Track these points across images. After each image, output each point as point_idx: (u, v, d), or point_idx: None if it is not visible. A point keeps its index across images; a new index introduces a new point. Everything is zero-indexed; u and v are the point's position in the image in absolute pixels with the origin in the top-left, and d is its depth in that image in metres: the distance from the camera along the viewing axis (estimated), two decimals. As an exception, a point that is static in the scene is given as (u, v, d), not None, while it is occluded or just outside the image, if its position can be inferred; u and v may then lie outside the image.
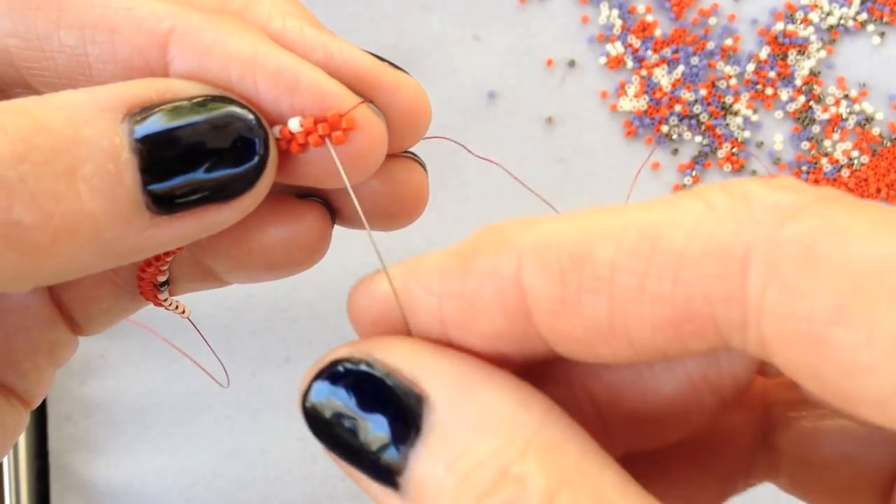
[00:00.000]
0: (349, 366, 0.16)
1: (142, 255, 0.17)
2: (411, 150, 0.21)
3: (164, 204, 0.16)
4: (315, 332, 0.43)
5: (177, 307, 0.23)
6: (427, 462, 0.15)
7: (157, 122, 0.16)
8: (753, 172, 0.42)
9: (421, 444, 0.15)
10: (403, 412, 0.15)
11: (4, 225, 0.15)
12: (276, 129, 0.17)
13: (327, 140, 0.17)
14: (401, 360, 0.16)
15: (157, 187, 0.16)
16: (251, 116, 0.17)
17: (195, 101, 0.17)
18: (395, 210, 0.21)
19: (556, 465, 0.14)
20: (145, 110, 0.16)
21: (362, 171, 0.18)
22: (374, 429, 0.15)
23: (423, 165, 0.21)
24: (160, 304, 0.22)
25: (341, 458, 0.16)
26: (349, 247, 0.43)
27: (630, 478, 0.14)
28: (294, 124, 0.17)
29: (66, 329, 0.22)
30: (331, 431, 0.16)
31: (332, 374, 0.16)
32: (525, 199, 0.42)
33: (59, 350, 0.23)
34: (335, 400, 0.16)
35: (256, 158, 0.17)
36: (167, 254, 0.20)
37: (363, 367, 0.16)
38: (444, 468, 0.14)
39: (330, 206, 0.21)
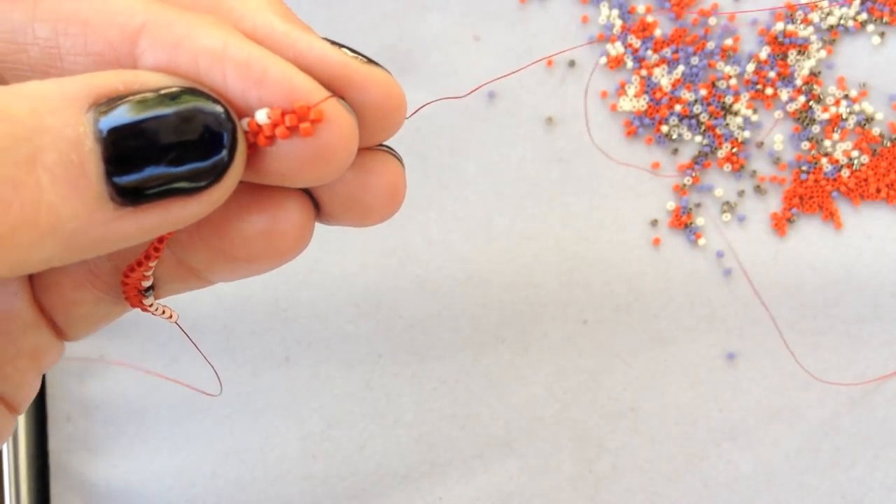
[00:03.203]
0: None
1: (106, 248, 0.17)
2: (388, 143, 0.20)
3: (129, 196, 0.16)
4: (315, 332, 0.43)
5: (164, 312, 0.22)
6: None
7: (122, 114, 0.16)
8: (754, 173, 0.42)
9: None
10: None
11: None
12: (245, 122, 0.17)
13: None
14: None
15: (121, 179, 0.16)
16: (220, 109, 0.17)
17: (162, 92, 0.17)
18: (370, 203, 0.20)
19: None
20: (112, 101, 0.16)
21: (331, 167, 0.18)
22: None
23: (399, 159, 0.20)
24: (146, 310, 0.22)
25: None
26: (349, 247, 0.43)
27: None
28: (261, 116, 0.17)
29: (49, 334, 0.22)
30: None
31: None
32: (525, 199, 0.42)
33: (42, 354, 0.22)
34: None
35: (224, 151, 0.17)
36: (150, 257, 0.20)
37: None
38: None
39: (312, 196, 0.20)
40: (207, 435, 0.43)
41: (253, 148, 0.18)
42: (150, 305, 0.22)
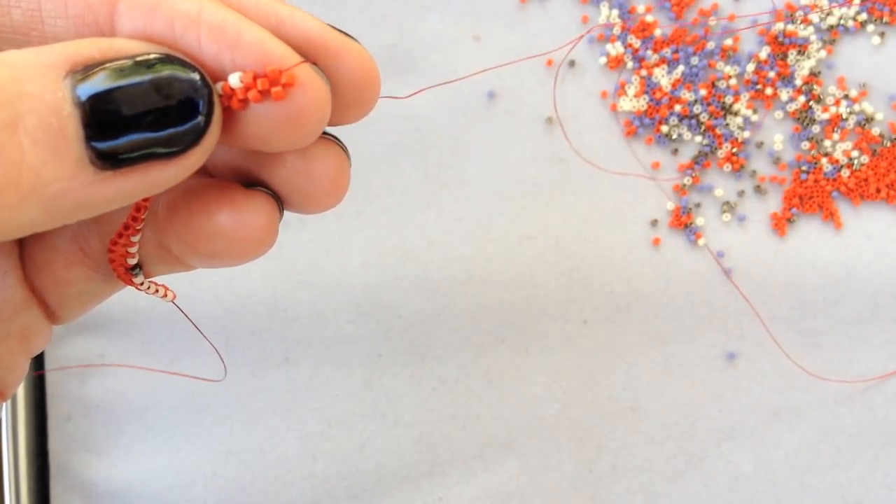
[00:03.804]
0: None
1: (87, 212, 0.17)
2: (335, 135, 0.21)
3: (108, 159, 0.17)
4: (315, 332, 0.43)
5: (157, 291, 0.22)
6: None
7: (100, 81, 0.17)
8: (754, 173, 0.42)
9: None
10: None
11: None
12: (219, 86, 0.18)
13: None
14: None
15: (101, 143, 0.16)
16: (195, 75, 0.17)
17: (138, 59, 0.17)
18: (312, 191, 0.20)
19: None
20: (88, 68, 0.17)
21: (305, 130, 0.18)
22: None
23: (344, 149, 0.21)
24: (138, 288, 0.22)
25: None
26: (349, 247, 0.43)
27: None
28: (234, 79, 0.17)
29: (40, 315, 0.23)
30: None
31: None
32: (525, 199, 0.42)
33: (32, 335, 0.23)
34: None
35: (200, 117, 0.17)
36: (129, 228, 0.20)
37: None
38: None
39: (277, 198, 0.21)
40: (207, 435, 0.43)
41: (227, 112, 0.18)
42: (141, 284, 0.22)
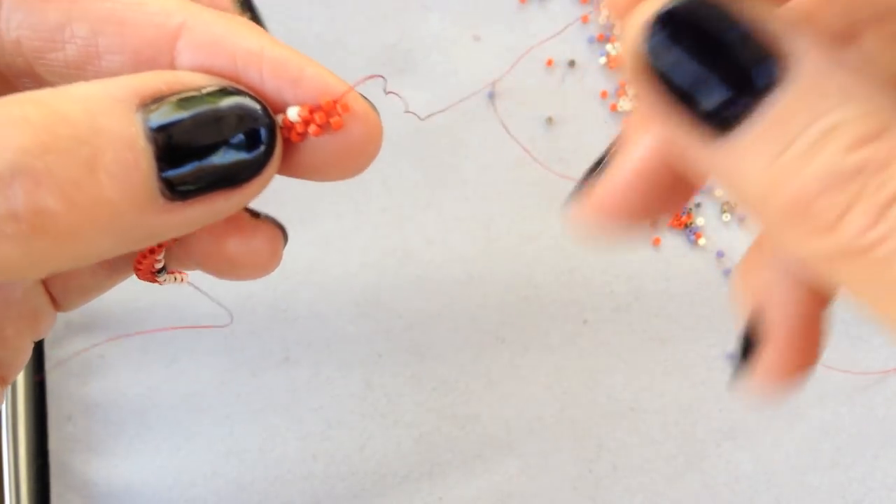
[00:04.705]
0: (711, 3, 0.16)
1: (155, 239, 0.18)
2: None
3: (178, 190, 0.17)
4: (315, 332, 0.43)
5: (175, 279, 0.23)
6: (789, 108, 0.15)
7: (168, 112, 0.17)
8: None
9: (785, 89, 0.15)
10: (765, 58, 0.15)
11: (32, 213, 0.15)
12: (279, 118, 0.18)
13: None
14: (767, 13, 0.16)
15: (171, 174, 0.17)
16: (258, 106, 0.18)
17: (204, 91, 0.17)
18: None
19: None
20: (156, 101, 0.17)
21: (360, 160, 0.19)
22: (731, 65, 0.15)
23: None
24: (160, 283, 0.23)
25: (672, 95, 0.16)
26: (349, 247, 0.43)
27: None
28: (293, 113, 0.18)
29: (47, 299, 0.23)
30: (669, 64, 0.16)
31: (689, 5, 0.16)
32: (525, 199, 0.42)
33: (41, 319, 0.23)
34: (690, 31, 0.16)
35: (263, 146, 0.18)
36: (160, 247, 0.21)
37: (723, 8, 0.16)
38: (812, 115, 0.15)
39: (281, 226, 0.22)
40: (207, 435, 0.43)
41: (286, 143, 0.19)
42: (164, 280, 0.23)
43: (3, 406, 0.41)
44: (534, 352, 0.43)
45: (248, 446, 0.43)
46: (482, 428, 0.43)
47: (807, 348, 0.21)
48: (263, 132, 0.18)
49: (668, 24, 0.16)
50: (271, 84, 0.18)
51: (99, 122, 0.16)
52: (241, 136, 0.17)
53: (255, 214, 0.22)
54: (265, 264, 0.22)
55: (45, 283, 0.23)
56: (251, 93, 0.18)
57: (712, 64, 0.15)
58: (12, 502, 0.41)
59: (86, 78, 0.18)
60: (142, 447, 0.43)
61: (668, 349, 0.42)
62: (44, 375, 0.43)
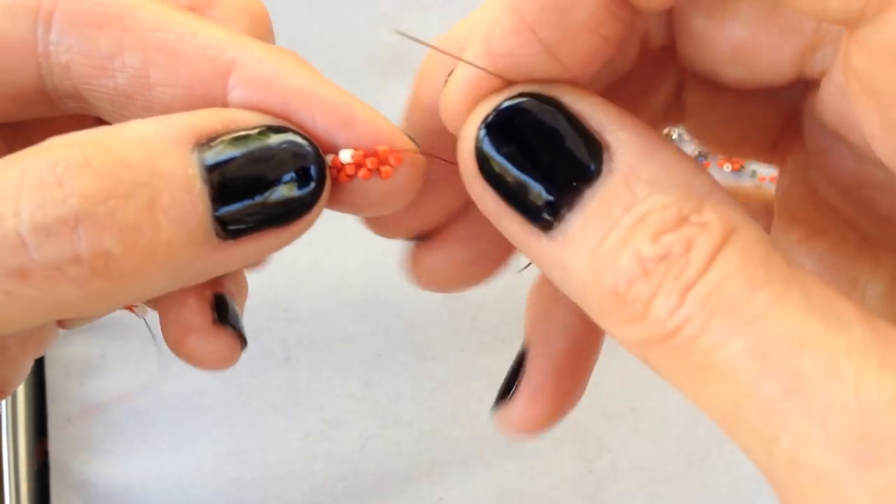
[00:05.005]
0: (536, 102, 0.17)
1: (207, 276, 0.18)
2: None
3: (231, 229, 0.17)
4: (315, 332, 0.43)
5: (145, 310, 0.25)
6: (602, 203, 0.16)
7: (223, 152, 0.17)
8: (754, 173, 0.42)
9: (600, 185, 0.16)
10: (584, 154, 0.16)
11: (95, 256, 0.16)
12: (329, 159, 0.18)
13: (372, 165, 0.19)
14: (587, 107, 0.17)
15: (224, 212, 0.17)
16: (308, 144, 0.18)
17: (257, 130, 0.18)
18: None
19: (729, 217, 0.15)
20: (211, 140, 0.17)
21: (401, 203, 0.20)
22: (552, 166, 0.16)
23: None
24: (132, 311, 0.24)
25: (503, 196, 0.17)
26: (349, 247, 0.43)
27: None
28: (346, 156, 0.18)
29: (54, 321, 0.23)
30: (498, 167, 0.17)
31: (515, 107, 0.17)
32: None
33: (45, 338, 0.24)
34: (515, 131, 0.17)
35: (313, 185, 0.18)
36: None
37: (548, 108, 0.17)
38: (622, 208, 0.16)
39: (242, 335, 0.23)
40: (207, 435, 0.43)
41: (333, 182, 0.19)
42: (138, 310, 0.24)
43: (3, 406, 0.41)
44: (534, 352, 0.43)
45: (248, 446, 0.43)
46: (482, 428, 0.43)
47: (564, 391, 0.22)
48: (313, 170, 0.18)
49: (493, 130, 0.17)
50: (322, 124, 0.18)
51: (157, 165, 0.17)
52: (292, 174, 0.18)
53: (222, 319, 0.22)
54: (221, 365, 0.23)
55: None
56: (301, 131, 0.18)
57: (532, 167, 0.16)
58: (12, 502, 0.41)
59: (134, 107, 0.18)
60: (142, 447, 0.43)
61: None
62: (44, 375, 0.43)
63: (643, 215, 0.16)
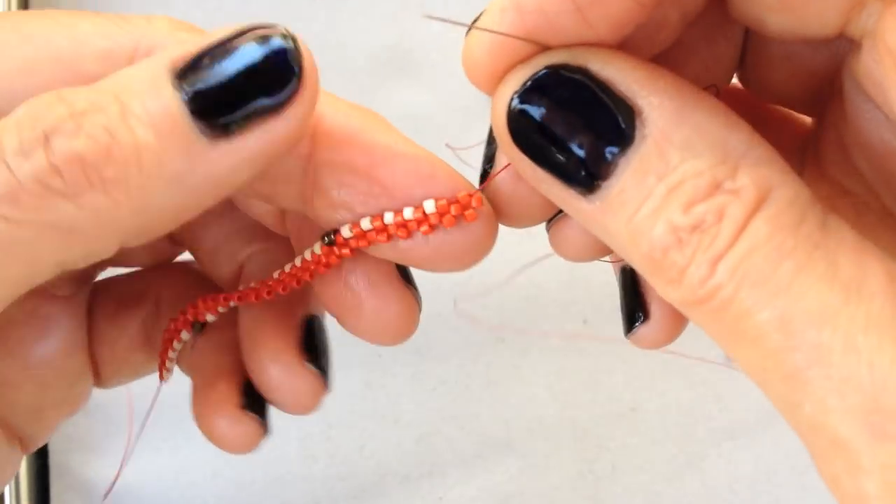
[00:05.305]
0: (564, 73, 0.17)
1: (220, 186, 0.18)
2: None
3: (218, 128, 0.17)
4: (315, 332, 0.43)
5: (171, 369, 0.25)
6: (636, 171, 0.16)
7: (198, 62, 0.17)
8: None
9: (633, 153, 0.16)
10: (616, 122, 0.16)
11: (69, 161, 0.16)
12: (409, 213, 0.19)
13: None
14: (616, 73, 0.17)
15: (200, 105, 0.17)
16: (279, 30, 0.18)
17: (225, 37, 0.18)
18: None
19: (764, 178, 0.16)
20: (188, 63, 0.17)
21: (480, 253, 0.21)
22: (585, 136, 0.17)
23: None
24: (164, 359, 0.24)
25: (539, 164, 0.17)
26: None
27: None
28: (430, 206, 0.19)
29: (90, 381, 0.25)
30: (533, 138, 0.17)
31: (544, 79, 0.17)
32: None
33: (79, 402, 0.25)
34: (548, 104, 0.17)
35: (290, 60, 0.18)
36: (227, 298, 0.22)
37: (578, 77, 0.17)
38: (656, 177, 0.16)
39: (265, 422, 0.24)
40: (207, 435, 0.43)
41: (408, 235, 0.20)
42: (171, 359, 0.25)
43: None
44: (534, 352, 0.43)
45: (248, 446, 0.43)
46: (482, 428, 0.43)
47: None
48: (287, 50, 0.18)
49: (524, 102, 0.17)
50: (403, 178, 0.19)
51: (130, 86, 0.17)
52: (267, 63, 0.17)
53: (250, 405, 0.23)
54: (245, 449, 0.24)
55: (96, 366, 0.24)
56: (270, 24, 0.18)
57: (566, 136, 0.17)
58: (12, 502, 0.41)
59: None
60: (142, 447, 0.43)
61: (668, 349, 0.42)
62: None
63: (676, 184, 0.16)
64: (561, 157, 0.17)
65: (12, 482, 0.41)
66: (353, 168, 0.19)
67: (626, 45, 0.17)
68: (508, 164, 0.19)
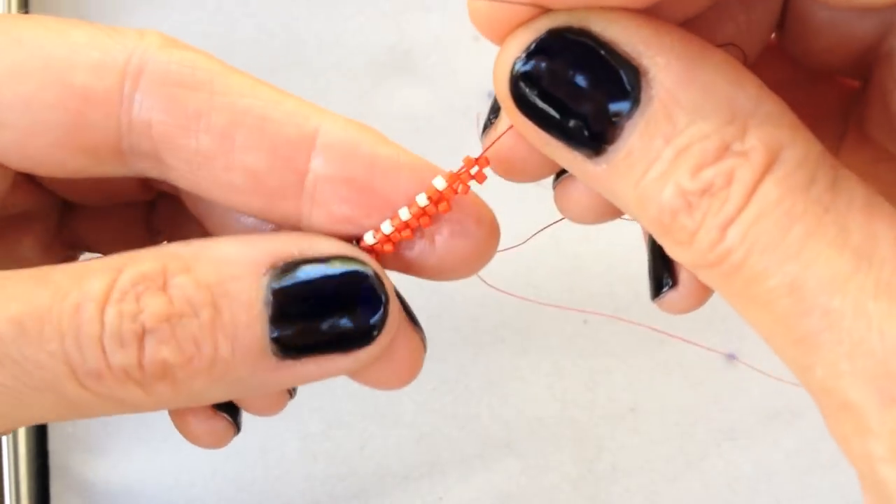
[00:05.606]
0: (567, 36, 0.17)
1: (268, 390, 0.20)
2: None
3: (290, 350, 0.18)
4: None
5: None
6: (643, 134, 0.16)
7: (291, 277, 0.18)
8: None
9: (639, 115, 0.16)
10: (621, 84, 0.16)
11: (154, 364, 0.18)
12: (422, 199, 0.19)
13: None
14: (620, 33, 0.16)
15: (280, 334, 0.18)
16: (376, 279, 0.19)
17: (328, 257, 0.19)
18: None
19: (774, 138, 0.15)
20: (287, 264, 0.18)
21: (482, 262, 0.21)
22: (590, 99, 0.16)
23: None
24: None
25: (543, 127, 0.17)
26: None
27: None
28: (440, 182, 0.19)
29: None
30: (536, 102, 0.17)
31: (546, 42, 0.17)
32: (525, 199, 0.42)
33: None
34: (550, 68, 0.17)
35: (376, 317, 0.19)
36: None
37: (581, 38, 0.16)
38: (663, 140, 0.16)
39: (236, 423, 0.26)
40: (207, 435, 0.43)
41: (409, 240, 0.20)
42: None
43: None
44: (534, 352, 0.43)
45: (248, 446, 0.43)
46: (482, 428, 0.43)
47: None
48: (378, 305, 0.18)
49: (526, 66, 0.17)
50: (409, 188, 0.19)
51: (228, 287, 0.18)
52: (355, 306, 0.18)
53: (222, 406, 0.24)
54: (214, 445, 0.25)
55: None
56: (373, 265, 0.19)
57: (570, 100, 0.17)
58: (12, 502, 0.41)
59: (214, 168, 0.19)
60: (142, 447, 0.43)
61: (668, 349, 0.42)
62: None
63: (684, 147, 0.16)
64: (566, 121, 0.17)
65: (12, 482, 0.41)
66: (354, 182, 0.19)
67: (659, 8, 0.17)
68: (511, 126, 0.19)
